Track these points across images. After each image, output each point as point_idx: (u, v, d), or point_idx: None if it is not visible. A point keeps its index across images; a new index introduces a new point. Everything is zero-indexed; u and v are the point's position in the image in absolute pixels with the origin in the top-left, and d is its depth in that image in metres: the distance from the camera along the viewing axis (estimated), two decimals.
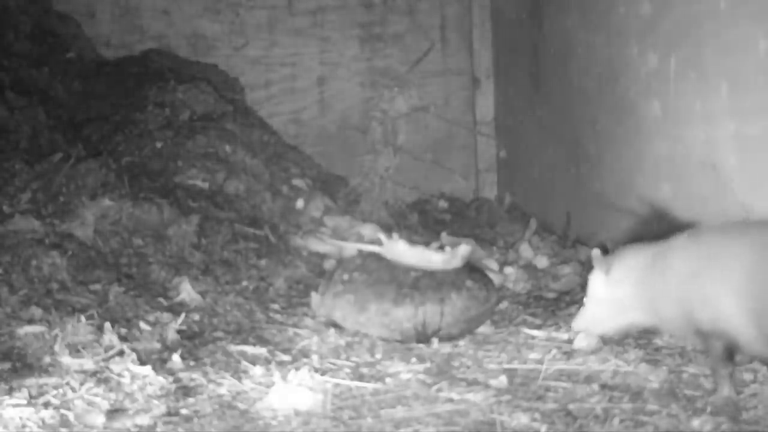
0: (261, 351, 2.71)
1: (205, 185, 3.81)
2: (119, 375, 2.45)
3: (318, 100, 4.86)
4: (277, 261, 3.49)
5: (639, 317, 2.54)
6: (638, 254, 2.54)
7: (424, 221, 4.30)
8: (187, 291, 3.06)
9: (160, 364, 2.54)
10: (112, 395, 2.34)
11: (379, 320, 2.85)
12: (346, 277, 2.95)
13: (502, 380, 2.48)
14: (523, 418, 2.21)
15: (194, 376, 2.49)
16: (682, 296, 2.41)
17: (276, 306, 3.16)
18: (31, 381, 2.37)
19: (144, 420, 2.21)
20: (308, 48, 4.83)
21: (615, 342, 2.69)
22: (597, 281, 2.57)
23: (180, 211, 3.47)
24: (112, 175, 3.54)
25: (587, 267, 2.62)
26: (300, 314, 3.08)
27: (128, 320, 2.81)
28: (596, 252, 2.56)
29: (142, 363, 2.51)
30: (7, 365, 2.45)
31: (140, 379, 2.43)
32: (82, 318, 2.69)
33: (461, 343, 2.84)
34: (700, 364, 2.52)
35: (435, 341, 2.84)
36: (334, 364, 2.64)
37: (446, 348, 2.80)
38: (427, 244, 3.13)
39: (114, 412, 2.25)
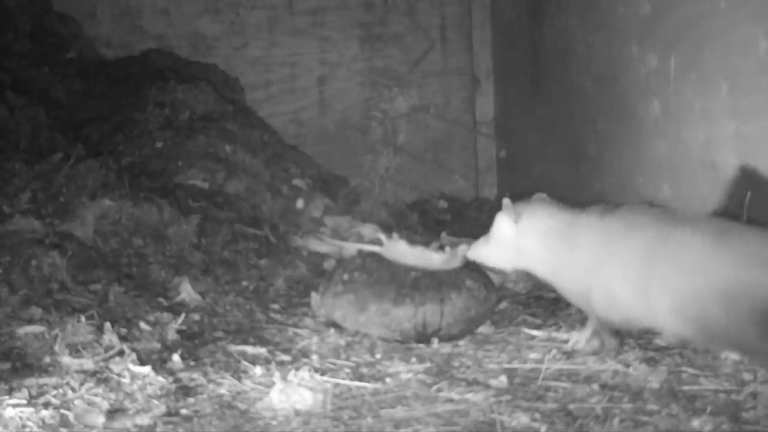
0: (261, 351, 2.71)
1: (205, 185, 3.81)
2: (119, 375, 2.45)
3: (318, 100, 4.86)
4: (277, 261, 3.49)
5: (536, 270, 2.74)
6: (550, 215, 2.69)
7: (424, 221, 4.30)
8: (187, 291, 3.06)
9: (160, 364, 2.54)
10: (112, 395, 2.34)
11: (379, 320, 2.85)
12: (346, 277, 2.95)
13: (502, 380, 2.48)
14: (523, 418, 2.21)
15: (194, 376, 2.49)
16: (582, 276, 2.57)
17: (276, 306, 3.16)
18: (31, 381, 2.37)
19: (144, 420, 2.21)
20: (308, 48, 4.84)
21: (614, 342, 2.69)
22: (504, 224, 2.74)
23: (180, 211, 3.48)
24: (112, 175, 3.54)
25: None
26: (300, 314, 3.08)
27: (128, 320, 2.81)
28: (507, 200, 2.75)
29: (142, 363, 2.51)
30: (7, 365, 2.45)
31: (140, 379, 2.43)
32: (82, 318, 2.69)
33: (461, 343, 2.84)
34: (697, 366, 2.52)
35: (435, 341, 2.84)
36: (334, 364, 2.64)
37: (446, 348, 2.80)
38: (427, 244, 3.12)
39: (114, 412, 2.25)
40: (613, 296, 2.52)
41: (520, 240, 2.71)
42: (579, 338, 2.73)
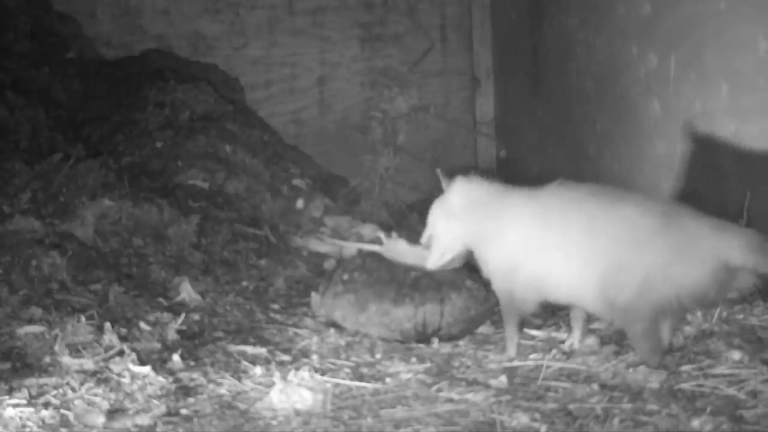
0: (261, 351, 2.71)
1: (205, 185, 3.81)
2: (119, 375, 2.45)
3: (318, 100, 4.86)
4: (277, 261, 3.49)
5: (468, 243, 2.71)
6: (479, 186, 2.70)
7: (424, 221, 4.29)
8: (187, 291, 3.06)
9: (160, 364, 2.54)
10: (112, 395, 2.34)
11: (379, 320, 2.85)
12: (346, 277, 2.95)
13: (502, 380, 2.48)
14: (523, 418, 2.21)
15: (194, 376, 2.49)
16: (507, 258, 2.58)
17: (276, 306, 3.16)
18: (31, 381, 2.37)
19: (144, 420, 2.21)
20: (308, 48, 4.83)
21: (615, 342, 2.69)
22: (436, 204, 2.75)
23: (180, 211, 3.48)
24: (112, 175, 3.54)
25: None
26: (300, 314, 3.08)
27: (128, 320, 2.81)
28: (440, 171, 2.75)
29: (142, 363, 2.51)
30: (7, 365, 2.45)
31: (140, 379, 2.43)
32: (82, 318, 2.69)
33: (461, 343, 2.84)
34: (697, 366, 2.52)
35: (435, 341, 2.84)
36: (334, 364, 2.64)
37: (446, 348, 2.80)
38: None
39: (114, 412, 2.25)
40: (541, 270, 2.54)
41: (452, 212, 2.71)
42: (572, 339, 2.73)
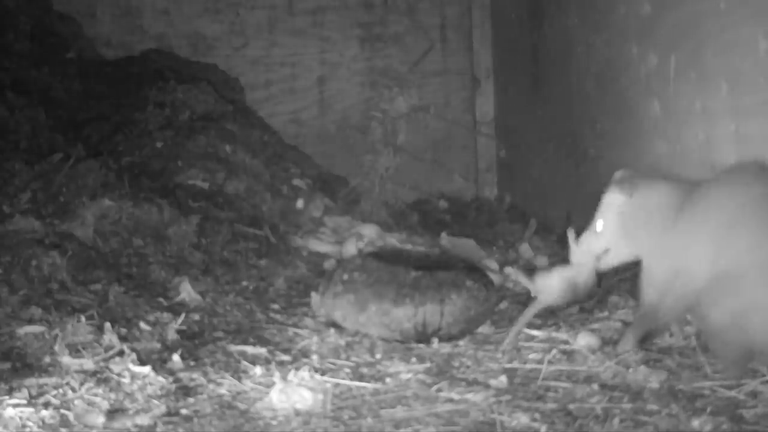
0: (261, 351, 2.71)
1: (205, 185, 3.81)
2: (119, 375, 2.45)
3: (318, 100, 4.86)
4: (277, 261, 3.49)
5: (631, 256, 2.40)
6: (669, 188, 2.33)
7: (424, 221, 4.30)
8: (187, 291, 3.06)
9: (160, 364, 2.54)
10: (112, 395, 2.34)
11: (379, 320, 2.85)
12: (346, 277, 2.95)
13: (502, 380, 2.48)
14: (523, 418, 2.21)
15: (194, 376, 2.49)
16: (684, 263, 2.22)
17: (276, 306, 3.16)
18: (31, 381, 2.37)
19: (144, 420, 2.21)
20: (308, 48, 4.84)
21: (615, 342, 2.69)
22: (615, 202, 2.36)
23: (180, 211, 3.47)
24: (112, 175, 3.54)
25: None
26: (300, 314, 3.08)
27: (128, 320, 2.81)
28: (619, 173, 2.39)
29: (142, 363, 2.51)
30: (7, 365, 2.45)
31: (140, 379, 2.43)
32: (82, 318, 2.69)
33: (461, 343, 2.84)
34: (697, 366, 2.52)
35: (435, 341, 2.84)
36: (334, 364, 2.64)
37: (446, 348, 2.80)
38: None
39: (114, 412, 2.25)
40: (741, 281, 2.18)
41: (632, 220, 2.35)
42: (625, 343, 2.56)
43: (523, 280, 2.62)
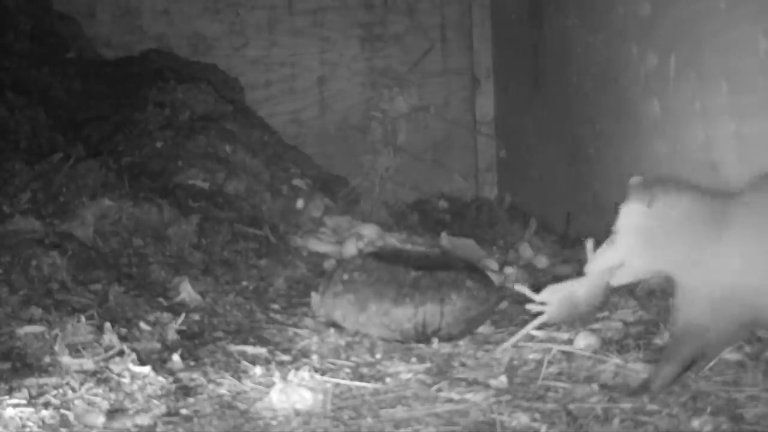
0: (261, 351, 2.71)
1: (205, 185, 3.81)
2: (119, 375, 2.45)
3: (318, 100, 4.86)
4: (277, 261, 3.49)
5: (649, 273, 2.22)
6: (695, 197, 2.14)
7: (424, 221, 4.30)
8: (187, 291, 3.06)
9: (160, 364, 2.54)
10: (112, 395, 2.34)
11: (379, 320, 2.85)
12: (346, 277, 2.95)
13: (502, 380, 2.48)
14: (523, 418, 2.21)
15: (194, 376, 2.49)
16: (741, 279, 2.06)
17: (276, 306, 3.16)
18: (31, 381, 2.37)
19: (144, 420, 2.21)
20: (308, 48, 4.84)
21: (615, 342, 2.69)
22: (631, 212, 2.14)
23: (180, 211, 3.48)
24: (112, 175, 3.54)
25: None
26: (300, 314, 3.08)
27: (128, 320, 2.81)
28: (636, 179, 2.19)
29: (142, 363, 2.51)
30: (7, 365, 2.45)
31: (140, 379, 2.43)
32: (82, 318, 2.69)
33: (461, 343, 2.84)
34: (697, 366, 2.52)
35: (435, 341, 2.84)
36: (334, 364, 2.64)
37: (446, 348, 2.80)
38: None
39: (114, 412, 2.25)
40: None
41: (653, 231, 2.13)
42: (663, 379, 2.29)
43: (527, 293, 2.49)
